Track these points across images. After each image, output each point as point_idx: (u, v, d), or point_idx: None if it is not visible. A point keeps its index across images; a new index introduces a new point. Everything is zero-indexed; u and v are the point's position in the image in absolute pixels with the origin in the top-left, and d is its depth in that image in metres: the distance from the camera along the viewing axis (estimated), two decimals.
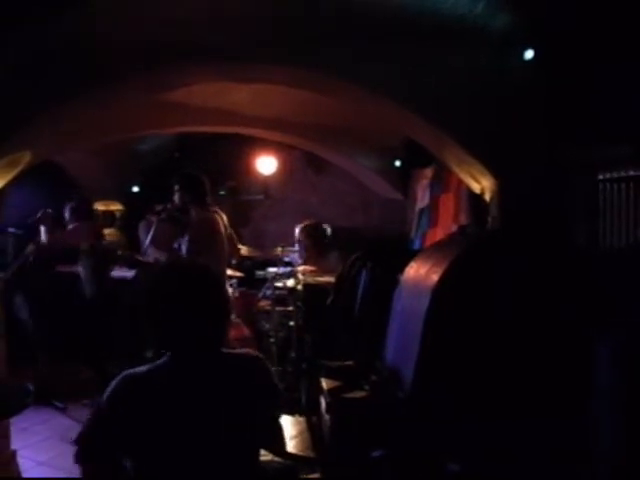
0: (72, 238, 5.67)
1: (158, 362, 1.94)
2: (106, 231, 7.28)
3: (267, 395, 2.05)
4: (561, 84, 3.64)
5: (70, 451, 2.01)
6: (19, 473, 3.95)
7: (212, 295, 1.98)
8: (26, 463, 4.14)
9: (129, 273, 5.89)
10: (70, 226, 5.74)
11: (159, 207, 5.34)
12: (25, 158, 3.81)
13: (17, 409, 2.75)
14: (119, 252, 5.48)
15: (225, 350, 2.03)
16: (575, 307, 2.20)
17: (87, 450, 1.95)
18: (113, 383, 1.90)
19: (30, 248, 5.99)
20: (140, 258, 5.50)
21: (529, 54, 3.61)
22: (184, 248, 4.85)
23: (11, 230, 6.22)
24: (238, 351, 2.10)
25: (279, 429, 2.19)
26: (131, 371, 1.93)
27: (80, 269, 5.79)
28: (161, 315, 1.93)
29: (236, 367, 2.01)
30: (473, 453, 2.09)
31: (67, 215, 5.80)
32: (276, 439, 2.16)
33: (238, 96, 5.23)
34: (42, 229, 5.58)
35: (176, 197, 5.02)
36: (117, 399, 1.89)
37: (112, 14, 3.06)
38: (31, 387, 2.97)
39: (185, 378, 1.91)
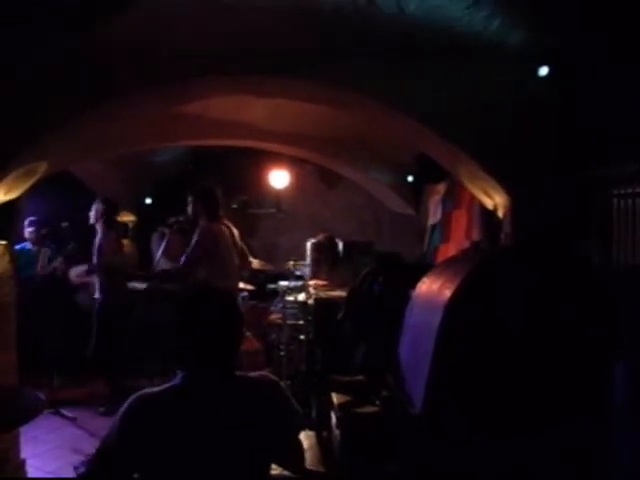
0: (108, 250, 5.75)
1: (172, 384, 1.96)
2: None
3: (283, 419, 2.06)
4: (575, 100, 3.64)
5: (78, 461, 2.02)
6: None
7: (232, 321, 2.01)
8: (34, 472, 4.15)
9: (141, 285, 5.93)
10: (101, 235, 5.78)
11: (172, 219, 5.37)
12: (41, 168, 3.85)
13: (27, 417, 2.74)
14: (129, 270, 5.52)
15: (240, 373, 2.04)
16: (589, 323, 2.18)
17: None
18: (127, 403, 1.92)
19: (58, 261, 6.07)
20: (142, 273, 5.55)
21: (543, 71, 3.61)
22: (185, 254, 4.87)
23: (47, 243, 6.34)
24: (254, 375, 2.10)
25: (298, 447, 2.19)
26: (146, 391, 1.95)
27: (96, 280, 5.82)
28: (184, 339, 1.97)
29: (250, 391, 2.02)
30: (485, 469, 2.07)
31: (96, 217, 5.80)
32: (293, 457, 2.16)
33: (254, 110, 5.26)
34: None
35: (189, 208, 5.06)
36: (130, 420, 1.90)
37: (128, 28, 3.08)
38: (42, 396, 2.97)
39: (200, 401, 1.93)
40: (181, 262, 4.90)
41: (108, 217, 5.82)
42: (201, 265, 4.89)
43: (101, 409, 5.55)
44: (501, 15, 3.24)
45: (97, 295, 5.74)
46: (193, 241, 4.89)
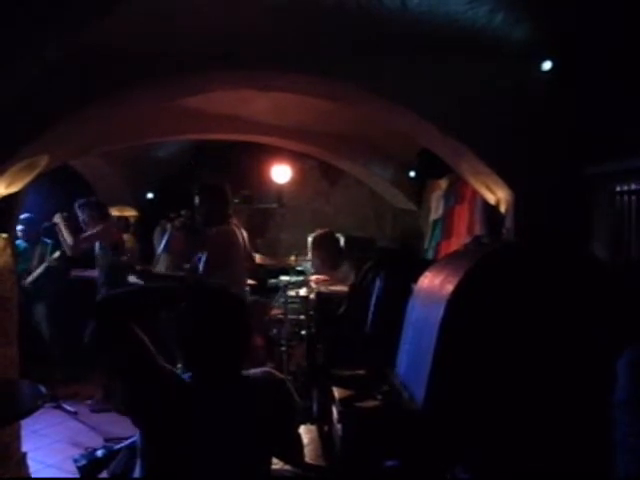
0: (102, 238, 5.74)
1: (182, 380, 1.96)
2: None
3: (286, 416, 2.08)
4: (579, 95, 3.62)
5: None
6: (29, 475, 3.96)
7: (239, 323, 2.01)
8: (35, 466, 4.16)
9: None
10: (97, 227, 5.79)
11: (173, 214, 5.35)
12: (43, 162, 3.84)
13: (29, 411, 2.75)
14: (138, 267, 5.48)
15: (245, 373, 2.05)
16: (592, 318, 2.18)
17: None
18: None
19: (55, 256, 6.08)
20: (155, 272, 5.52)
21: (547, 65, 3.60)
22: (202, 262, 4.75)
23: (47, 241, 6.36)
24: (258, 373, 2.10)
25: (298, 441, 2.20)
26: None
27: (97, 272, 5.82)
28: (191, 338, 1.98)
29: (255, 391, 2.02)
30: (486, 465, 2.07)
31: (86, 216, 5.82)
32: (294, 451, 2.17)
33: (256, 105, 5.24)
34: (65, 232, 5.64)
35: (198, 207, 4.88)
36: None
37: (129, 21, 3.07)
38: (43, 389, 2.98)
39: (206, 400, 1.93)
40: (200, 271, 4.77)
41: (103, 216, 5.85)
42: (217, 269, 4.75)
43: (89, 401, 5.57)
44: (504, 9, 3.22)
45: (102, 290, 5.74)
46: (208, 250, 4.75)
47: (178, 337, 2.02)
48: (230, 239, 4.81)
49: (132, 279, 5.92)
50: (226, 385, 1.97)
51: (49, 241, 6.37)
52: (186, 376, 1.98)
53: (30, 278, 6.11)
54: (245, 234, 5.19)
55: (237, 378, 2.00)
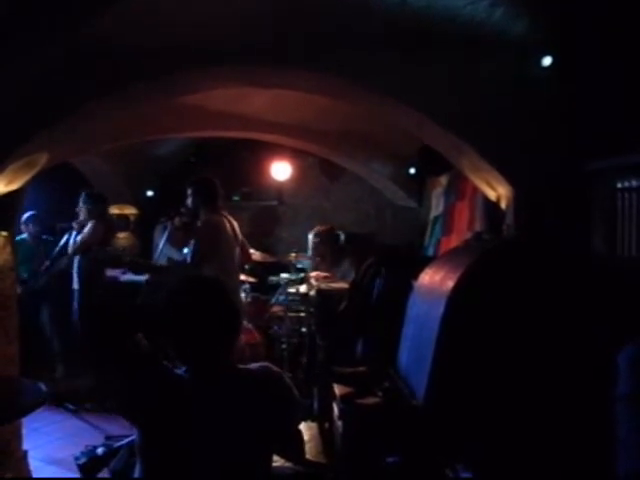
0: (91, 240, 5.74)
1: (178, 375, 1.96)
2: (120, 235, 7.33)
3: (285, 410, 2.06)
4: (579, 90, 3.62)
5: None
6: (29, 473, 3.96)
7: (223, 311, 2.00)
8: (36, 464, 4.16)
9: (141, 277, 5.92)
10: (89, 225, 5.78)
11: (172, 212, 5.35)
12: (42, 159, 3.83)
13: (29, 409, 2.75)
14: (128, 258, 5.46)
15: (242, 366, 2.03)
16: (593, 315, 2.17)
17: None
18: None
19: (64, 262, 6.07)
20: (147, 262, 5.51)
21: (547, 61, 3.59)
22: (189, 252, 4.80)
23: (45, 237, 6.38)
24: (255, 367, 2.10)
25: (298, 437, 2.19)
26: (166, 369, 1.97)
27: (74, 271, 5.79)
28: (175, 328, 1.97)
29: (252, 384, 2.01)
30: (486, 461, 2.06)
31: (85, 211, 5.80)
32: (294, 447, 2.16)
33: (256, 102, 5.24)
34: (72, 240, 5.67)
35: (189, 201, 4.98)
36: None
37: (129, 18, 3.07)
38: (44, 387, 2.98)
39: (203, 395, 1.92)
40: (188, 261, 4.81)
41: (100, 213, 5.84)
42: (205, 260, 4.77)
43: (88, 405, 5.56)
44: (503, 4, 3.22)
45: (76, 286, 5.73)
46: (195, 238, 4.80)
47: (166, 328, 2.01)
48: (216, 229, 4.84)
49: (110, 272, 5.91)
50: (222, 379, 1.95)
51: (51, 239, 6.37)
52: (181, 370, 1.97)
53: (40, 280, 6.11)
54: (236, 225, 5.18)
55: (233, 372, 1.99)
